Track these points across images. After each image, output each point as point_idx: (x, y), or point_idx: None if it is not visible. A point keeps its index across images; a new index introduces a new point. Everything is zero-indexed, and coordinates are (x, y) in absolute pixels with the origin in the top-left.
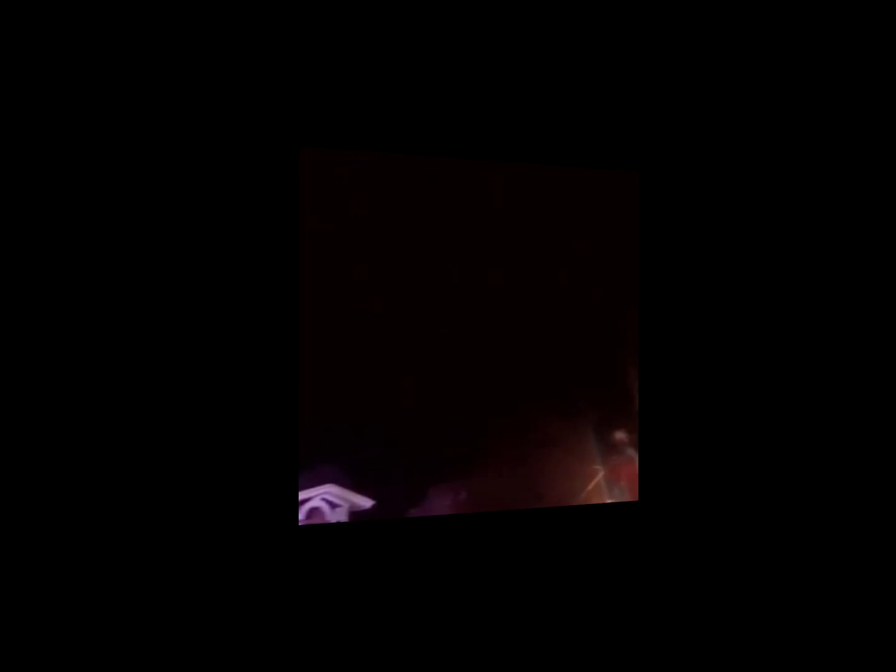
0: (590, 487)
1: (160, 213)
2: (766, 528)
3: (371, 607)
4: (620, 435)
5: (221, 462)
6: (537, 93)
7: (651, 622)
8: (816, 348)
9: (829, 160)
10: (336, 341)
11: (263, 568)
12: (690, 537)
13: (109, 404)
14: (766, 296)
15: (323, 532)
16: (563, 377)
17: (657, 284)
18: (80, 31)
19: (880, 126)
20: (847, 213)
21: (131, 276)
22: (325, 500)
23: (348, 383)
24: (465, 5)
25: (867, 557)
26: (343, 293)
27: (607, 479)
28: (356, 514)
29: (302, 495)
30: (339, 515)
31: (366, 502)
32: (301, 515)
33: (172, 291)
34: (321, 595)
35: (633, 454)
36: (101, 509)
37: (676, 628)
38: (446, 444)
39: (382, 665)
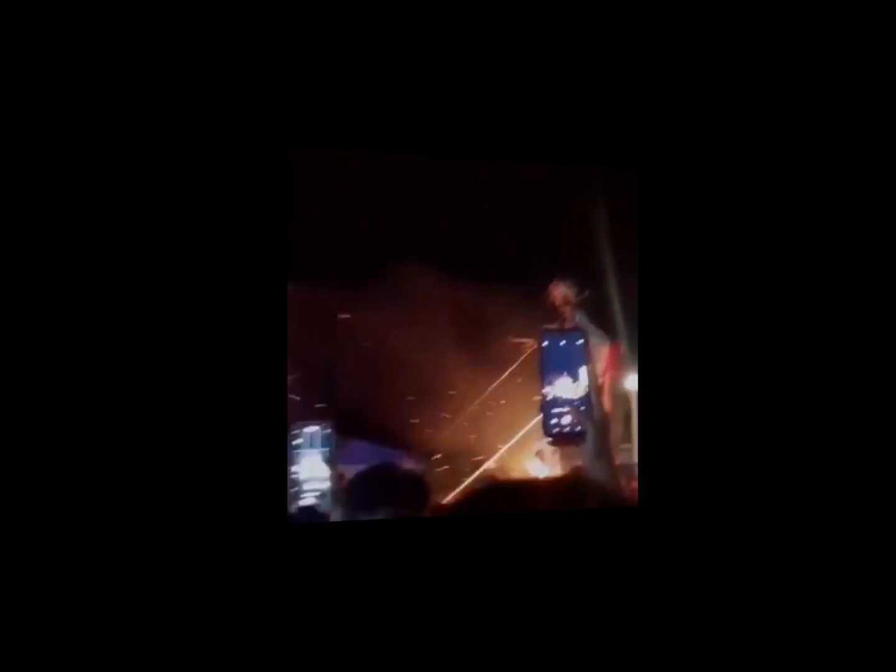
0: (506, 374)
1: (150, 214)
2: (769, 535)
3: (361, 608)
4: (562, 289)
5: (210, 460)
6: (535, 91)
7: (650, 630)
8: (820, 350)
9: (829, 159)
10: (326, 341)
11: (253, 566)
12: (691, 544)
13: (96, 401)
14: (768, 295)
15: (313, 531)
16: None
17: (657, 284)
18: (71, 31)
19: (880, 122)
20: (848, 213)
21: (122, 274)
22: None
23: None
24: (463, 3)
25: (865, 552)
26: (335, 293)
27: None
28: None
29: None
30: None
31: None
32: None
33: (162, 292)
34: (311, 594)
35: (581, 320)
36: (89, 510)
37: (676, 636)
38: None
39: (371, 665)
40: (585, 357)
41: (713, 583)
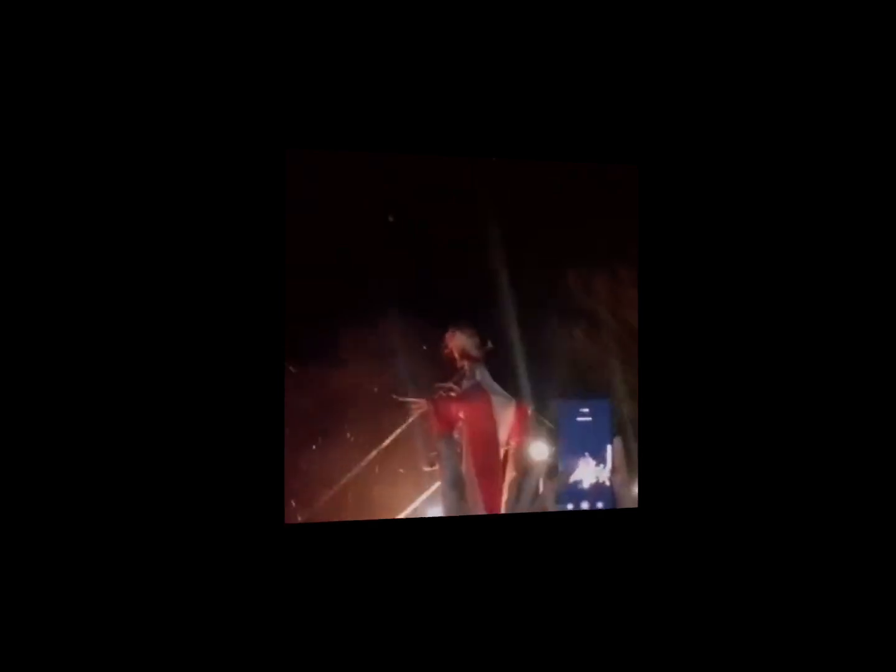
0: (387, 441)
1: (147, 215)
2: (770, 536)
3: (356, 609)
4: (461, 340)
5: (206, 460)
6: (535, 89)
7: (650, 632)
8: (821, 347)
9: (827, 156)
10: (322, 340)
11: (248, 567)
12: (691, 546)
13: (94, 401)
14: (769, 292)
15: (308, 531)
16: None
17: (657, 280)
18: (69, 33)
19: (879, 118)
20: (848, 212)
21: (120, 274)
22: None
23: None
24: (458, 1)
25: (865, 552)
26: (331, 293)
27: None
28: None
29: None
30: None
31: None
32: None
33: (158, 292)
34: (306, 595)
35: (483, 377)
36: (84, 509)
37: (676, 639)
38: None
39: (366, 666)
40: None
41: (712, 583)
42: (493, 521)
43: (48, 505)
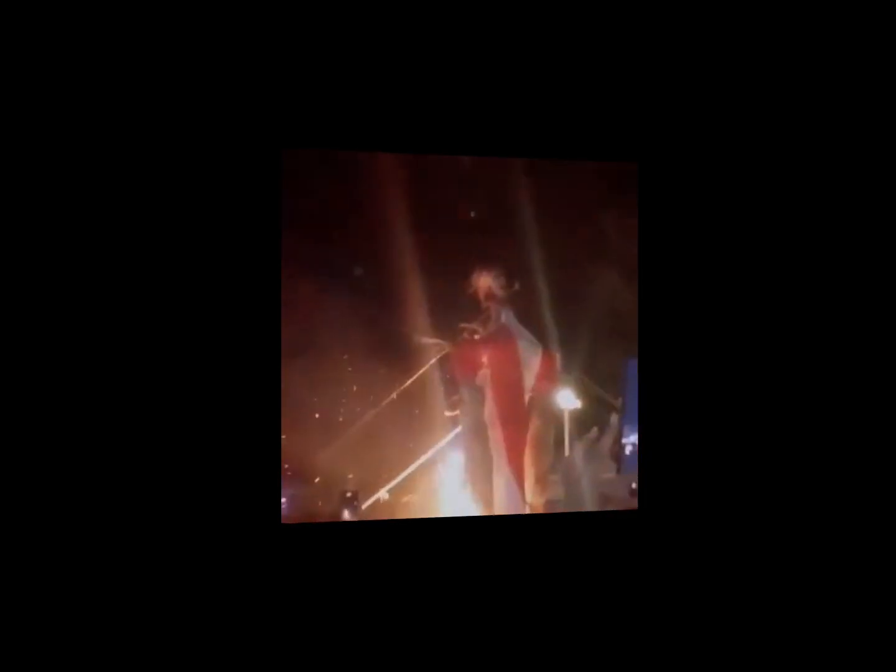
0: (408, 383)
1: (144, 216)
2: (771, 538)
3: (352, 609)
4: (486, 279)
5: (202, 460)
6: (534, 86)
7: (650, 635)
8: (822, 345)
9: (827, 153)
10: (318, 340)
11: (245, 567)
12: (692, 548)
13: (86, 399)
14: (769, 289)
15: (305, 531)
16: None
17: (657, 279)
18: (67, 33)
19: (878, 115)
20: (848, 209)
21: (115, 274)
22: None
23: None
24: None
25: (867, 555)
26: (328, 293)
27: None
28: None
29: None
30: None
31: None
32: None
33: (154, 293)
34: (302, 595)
35: (508, 320)
36: (81, 509)
37: (676, 640)
38: None
39: (364, 667)
40: None
41: (712, 584)
42: (492, 522)
43: (45, 504)
